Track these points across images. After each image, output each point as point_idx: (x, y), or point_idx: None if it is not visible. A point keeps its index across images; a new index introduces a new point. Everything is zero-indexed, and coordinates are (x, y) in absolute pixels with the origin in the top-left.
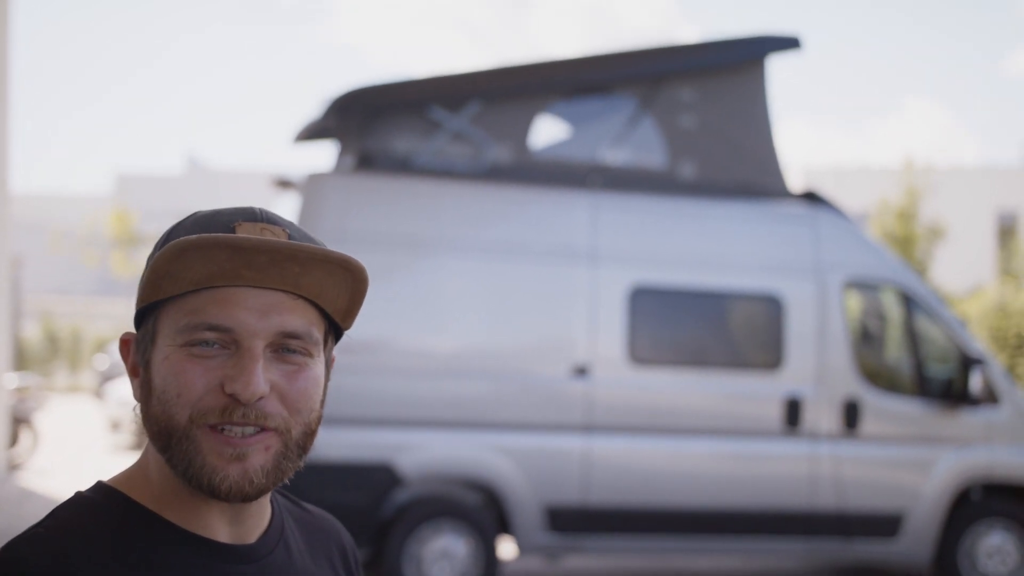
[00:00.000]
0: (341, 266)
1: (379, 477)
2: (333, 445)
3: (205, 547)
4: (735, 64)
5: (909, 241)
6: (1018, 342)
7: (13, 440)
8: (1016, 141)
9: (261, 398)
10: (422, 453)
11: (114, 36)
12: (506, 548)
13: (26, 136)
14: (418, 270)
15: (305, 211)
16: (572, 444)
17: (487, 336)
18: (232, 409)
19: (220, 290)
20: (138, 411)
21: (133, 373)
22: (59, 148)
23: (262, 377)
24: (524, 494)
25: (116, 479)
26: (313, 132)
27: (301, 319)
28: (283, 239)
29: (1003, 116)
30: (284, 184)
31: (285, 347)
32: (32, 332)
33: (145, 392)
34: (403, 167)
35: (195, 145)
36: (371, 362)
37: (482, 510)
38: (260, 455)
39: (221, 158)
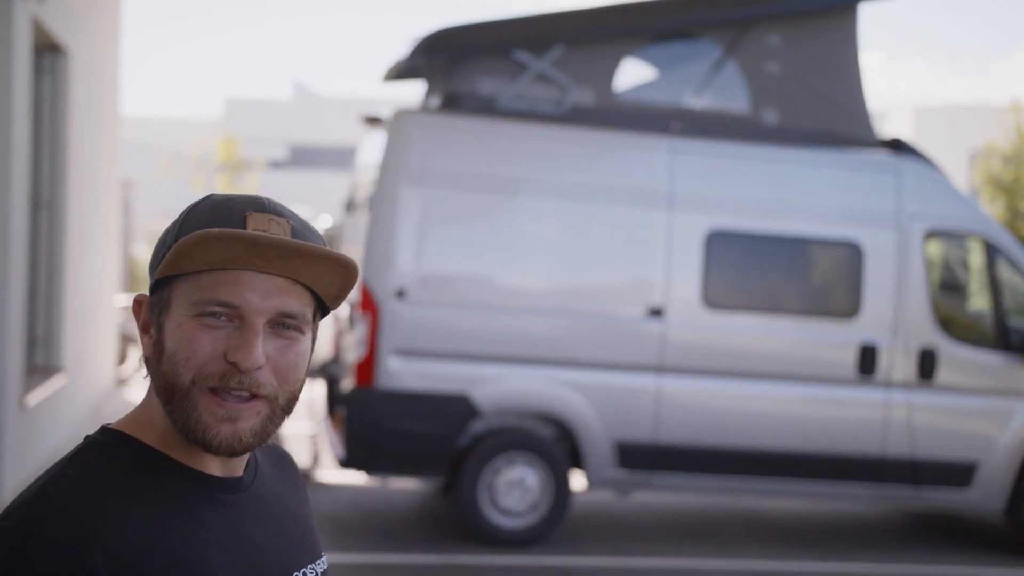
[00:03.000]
0: (337, 263)
1: (456, 408)
2: (414, 375)
3: (205, 480)
4: (824, 10)
5: (1016, 186)
6: None
7: (122, 357)
8: None
9: (258, 368)
10: (498, 386)
11: None
12: (577, 481)
13: (137, 59)
14: (499, 209)
15: (391, 148)
16: (645, 383)
17: (565, 276)
18: (231, 375)
19: (232, 272)
20: (145, 365)
21: (144, 331)
22: (170, 72)
23: (261, 350)
24: (596, 430)
25: (122, 424)
26: (401, 72)
27: (298, 302)
28: (287, 229)
29: None
30: (372, 121)
31: (282, 324)
32: (142, 253)
33: (157, 351)
34: (487, 108)
35: (303, 72)
36: (451, 297)
37: (555, 443)
38: (251, 419)
39: (327, 86)
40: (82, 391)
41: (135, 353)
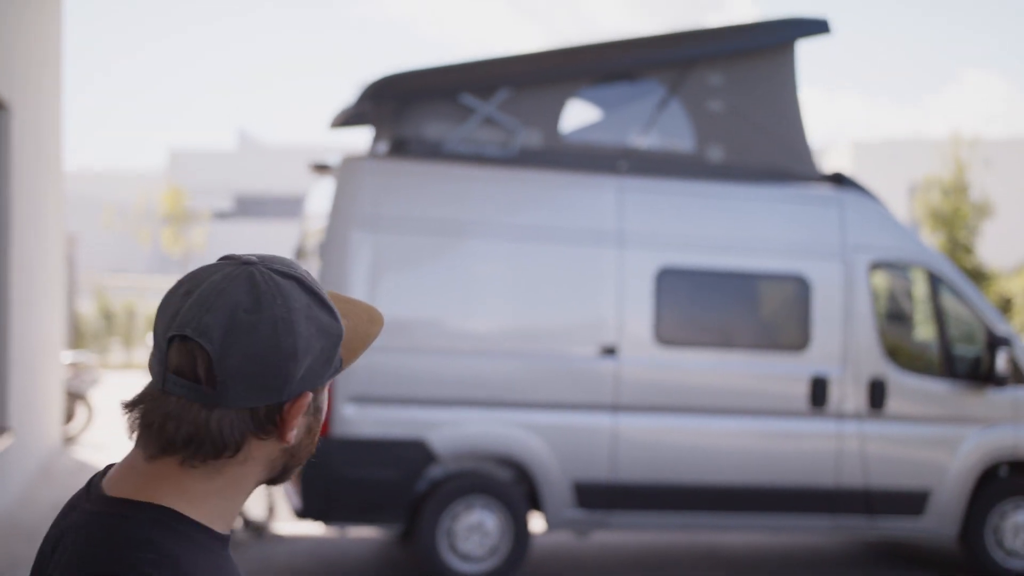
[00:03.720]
0: None
1: (413, 453)
2: (369, 422)
3: (226, 540)
4: (763, 48)
5: (956, 217)
6: None
7: (69, 415)
8: None
9: None
10: (455, 430)
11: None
12: (536, 523)
13: (80, 113)
14: (449, 253)
15: (340, 194)
16: (600, 422)
17: (517, 317)
18: None
19: None
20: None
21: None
22: (112, 125)
23: None
24: (554, 471)
25: (174, 504)
26: (348, 118)
27: None
28: None
29: None
30: (321, 168)
31: None
32: (87, 308)
33: (310, 436)
34: (435, 152)
35: (247, 120)
36: (405, 342)
37: (513, 486)
38: None
39: (273, 133)
40: (29, 450)
41: (82, 411)
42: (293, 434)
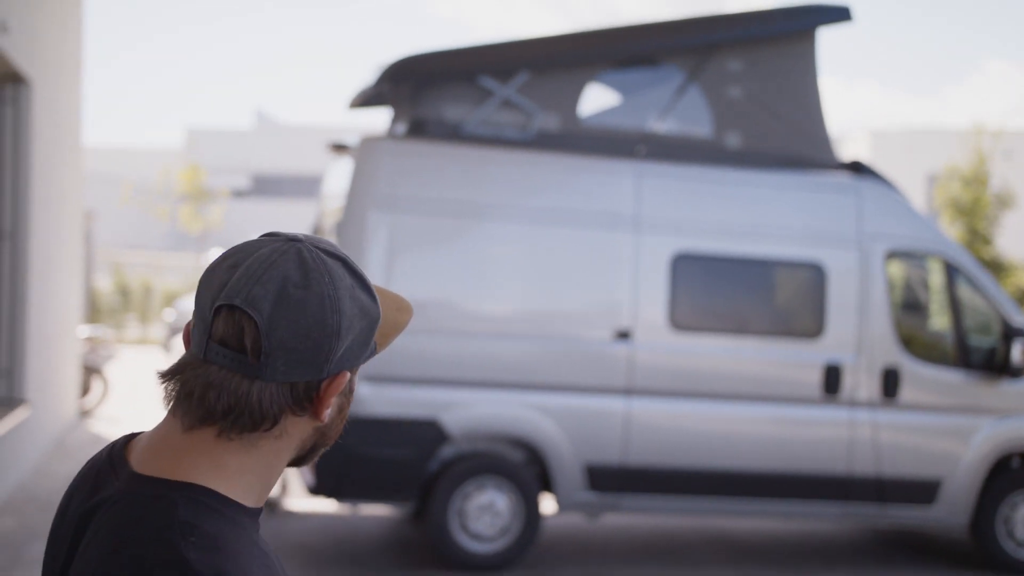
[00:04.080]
0: None
1: (426, 433)
2: (383, 401)
3: (257, 515)
4: (784, 35)
5: (976, 207)
6: None
7: (85, 389)
8: None
9: None
10: (468, 411)
11: None
12: (547, 505)
13: (99, 90)
14: (466, 235)
15: (358, 174)
16: (613, 406)
17: (533, 300)
18: None
19: None
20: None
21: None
22: (131, 102)
23: None
24: (565, 453)
25: (210, 482)
26: (367, 99)
27: None
28: None
29: None
30: (339, 148)
31: None
32: (104, 284)
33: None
34: (453, 134)
35: (264, 101)
36: (420, 323)
37: (525, 467)
38: None
39: (290, 113)
40: (46, 423)
41: (97, 385)
42: (328, 412)
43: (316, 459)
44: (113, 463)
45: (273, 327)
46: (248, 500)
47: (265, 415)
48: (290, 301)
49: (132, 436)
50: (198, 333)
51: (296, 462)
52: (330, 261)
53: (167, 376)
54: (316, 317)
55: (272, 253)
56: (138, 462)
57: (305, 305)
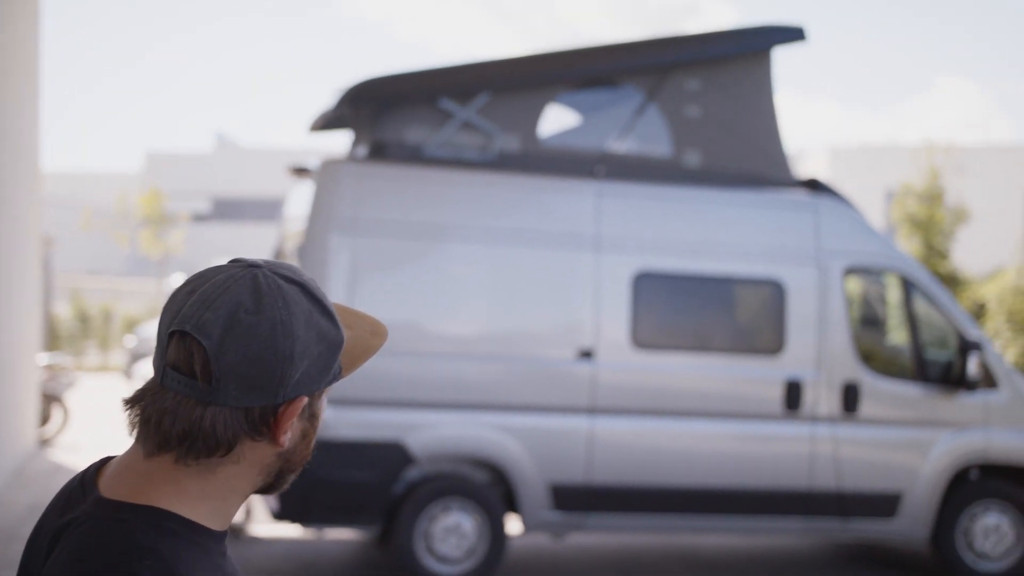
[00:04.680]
0: None
1: (390, 455)
2: (347, 424)
3: (222, 537)
4: (740, 55)
5: (931, 223)
6: None
7: (44, 417)
8: None
9: None
10: (432, 432)
11: (144, 17)
12: (513, 525)
13: (57, 114)
14: (428, 257)
15: (319, 197)
16: (577, 425)
17: (495, 320)
18: None
19: None
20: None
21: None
22: (89, 127)
23: None
24: (530, 473)
25: (172, 505)
26: (328, 122)
27: None
28: None
29: None
30: (300, 171)
31: None
32: (63, 311)
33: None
34: (414, 156)
35: (224, 124)
36: (384, 345)
37: (490, 488)
38: None
39: (250, 136)
40: (4, 452)
41: (57, 413)
42: (287, 437)
43: (286, 486)
44: (84, 486)
45: (222, 352)
46: (212, 523)
47: (220, 441)
48: (240, 326)
49: (106, 460)
50: (157, 359)
51: (265, 489)
52: (287, 286)
53: (130, 403)
54: (267, 342)
55: (228, 279)
56: (105, 486)
57: (256, 330)
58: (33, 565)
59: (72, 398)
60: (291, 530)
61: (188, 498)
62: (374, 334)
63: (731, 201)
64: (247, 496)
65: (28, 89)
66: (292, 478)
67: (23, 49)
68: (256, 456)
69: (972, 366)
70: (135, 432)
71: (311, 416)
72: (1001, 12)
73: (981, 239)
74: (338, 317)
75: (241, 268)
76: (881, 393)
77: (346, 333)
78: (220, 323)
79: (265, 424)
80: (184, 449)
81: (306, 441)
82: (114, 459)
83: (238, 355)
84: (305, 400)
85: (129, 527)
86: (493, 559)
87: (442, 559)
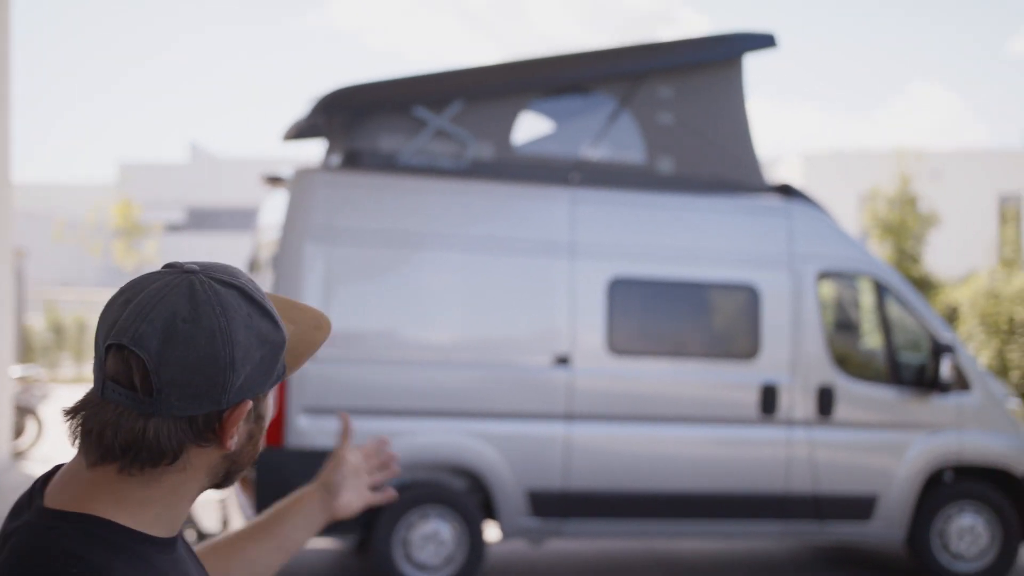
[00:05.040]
0: None
1: None
2: (323, 433)
3: (169, 543)
4: (712, 62)
5: (903, 227)
6: (1009, 327)
7: (18, 430)
8: (1021, 124)
9: None
10: (409, 440)
11: (116, 24)
12: (491, 532)
13: (28, 125)
14: (403, 265)
15: (293, 206)
16: (554, 431)
17: (471, 328)
18: None
19: None
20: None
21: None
22: (62, 137)
23: None
24: (508, 480)
25: (110, 513)
26: (301, 131)
27: None
28: None
29: (1009, 99)
30: (274, 180)
31: None
32: (36, 322)
33: (254, 441)
34: (388, 165)
35: (198, 134)
36: (359, 353)
37: (467, 496)
38: None
39: (224, 147)
40: None
41: (31, 425)
42: (233, 441)
43: (233, 483)
44: (32, 496)
45: (162, 364)
46: (156, 530)
47: (164, 451)
48: (178, 337)
49: (57, 468)
50: (96, 370)
51: (214, 487)
52: (224, 291)
53: (70, 413)
54: (206, 351)
55: (163, 288)
56: (48, 495)
57: (194, 340)
58: None
59: (46, 410)
60: None
61: (129, 506)
62: (317, 328)
63: (705, 207)
64: (195, 499)
65: None
66: (240, 476)
67: None
68: (202, 461)
69: (945, 369)
70: (77, 443)
71: (257, 418)
72: (974, 17)
73: (953, 243)
74: (278, 317)
75: (176, 275)
76: (856, 396)
77: (289, 329)
78: (157, 335)
79: (210, 431)
80: (128, 460)
81: (253, 442)
82: (60, 467)
83: (178, 366)
84: (250, 404)
85: (60, 534)
86: (472, 566)
87: (420, 567)
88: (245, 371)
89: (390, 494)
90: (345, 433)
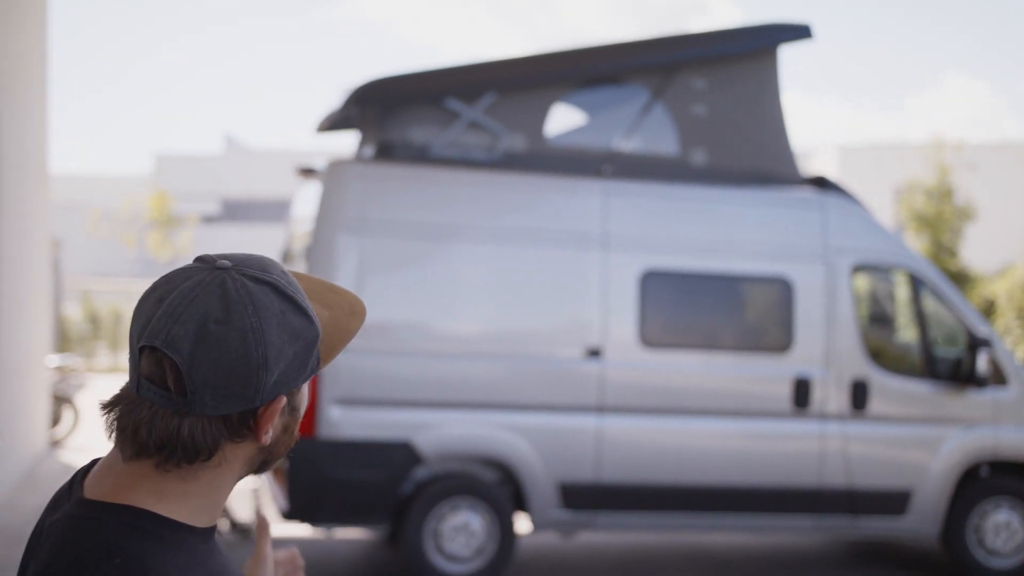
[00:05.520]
0: None
1: (399, 455)
2: (356, 424)
3: (208, 533)
4: (746, 53)
5: (939, 220)
6: None
7: (55, 419)
8: None
9: None
10: (441, 432)
11: (151, 15)
12: (522, 524)
13: (65, 117)
14: (436, 256)
15: (326, 198)
16: (585, 424)
17: (503, 320)
18: None
19: None
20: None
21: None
22: (98, 129)
23: None
24: (539, 472)
25: (150, 504)
26: (334, 123)
27: None
28: None
29: None
30: (307, 172)
31: None
32: (73, 313)
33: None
34: (421, 156)
35: (233, 126)
36: (391, 345)
37: (498, 487)
38: None
39: (259, 138)
40: (15, 454)
41: (68, 414)
42: (269, 436)
43: (269, 469)
44: (72, 487)
45: (195, 367)
46: (197, 520)
47: (199, 449)
48: (211, 339)
49: (96, 461)
50: (131, 367)
51: (254, 474)
52: (256, 289)
53: (107, 407)
54: (239, 352)
55: (195, 287)
56: (88, 487)
57: (226, 341)
58: (27, 564)
59: (82, 399)
60: (300, 530)
61: (168, 498)
62: (352, 314)
63: (738, 199)
64: (231, 490)
65: (36, 92)
66: (276, 464)
67: (31, 52)
68: (238, 455)
69: (981, 363)
70: (113, 437)
71: (292, 410)
72: (1008, 10)
73: (990, 236)
74: (311, 311)
75: (209, 272)
76: (890, 390)
77: (324, 315)
78: (190, 337)
79: (245, 427)
80: (163, 457)
81: (288, 433)
82: (99, 460)
83: (211, 367)
84: (284, 400)
85: (100, 525)
86: (502, 558)
87: (451, 558)
88: (279, 369)
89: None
90: (262, 531)
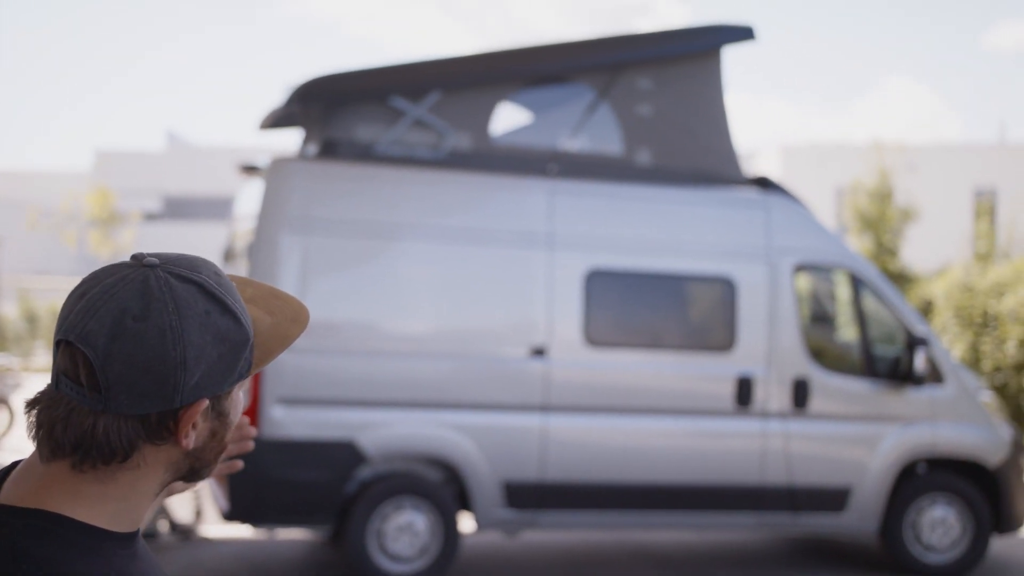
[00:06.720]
0: None
1: (342, 455)
2: (298, 424)
3: (129, 538)
4: (690, 54)
5: (881, 221)
6: (983, 320)
7: None
8: (996, 117)
9: None
10: (384, 431)
11: (93, 11)
12: (466, 523)
13: (3, 113)
14: (380, 255)
15: (269, 196)
16: (530, 423)
17: (448, 319)
18: None
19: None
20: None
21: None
22: (37, 124)
23: None
24: (483, 471)
25: (64, 508)
26: (278, 120)
27: None
28: None
29: (984, 92)
30: (250, 169)
31: None
32: (10, 311)
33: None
34: (365, 154)
35: (175, 122)
36: (335, 344)
37: (442, 487)
38: None
39: (202, 135)
40: None
41: (3, 415)
42: (190, 440)
43: (203, 478)
44: None
45: (108, 362)
46: (116, 525)
47: (115, 449)
48: (127, 335)
49: (16, 463)
50: (53, 364)
51: (182, 481)
52: (180, 287)
53: (29, 406)
54: (155, 350)
55: (117, 283)
56: (4, 491)
57: (143, 338)
58: None
59: (19, 400)
60: (242, 531)
61: (84, 501)
62: (294, 321)
63: (682, 199)
64: (156, 494)
65: None
66: (208, 472)
67: None
68: (160, 458)
69: (919, 361)
70: (33, 436)
71: (219, 415)
72: (948, 11)
73: (930, 237)
74: (242, 313)
75: (134, 269)
76: (830, 389)
77: (266, 321)
78: (105, 332)
79: (165, 428)
80: (79, 457)
81: (217, 439)
82: (20, 462)
83: (125, 364)
84: (207, 402)
85: (10, 529)
86: (446, 557)
87: (395, 558)
88: (199, 370)
89: (238, 465)
90: None
